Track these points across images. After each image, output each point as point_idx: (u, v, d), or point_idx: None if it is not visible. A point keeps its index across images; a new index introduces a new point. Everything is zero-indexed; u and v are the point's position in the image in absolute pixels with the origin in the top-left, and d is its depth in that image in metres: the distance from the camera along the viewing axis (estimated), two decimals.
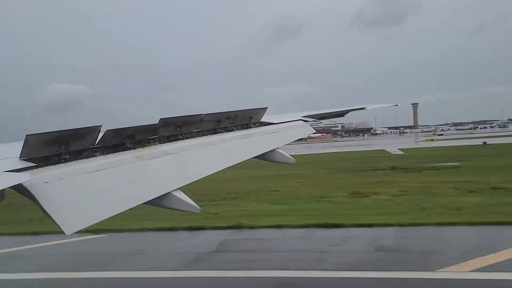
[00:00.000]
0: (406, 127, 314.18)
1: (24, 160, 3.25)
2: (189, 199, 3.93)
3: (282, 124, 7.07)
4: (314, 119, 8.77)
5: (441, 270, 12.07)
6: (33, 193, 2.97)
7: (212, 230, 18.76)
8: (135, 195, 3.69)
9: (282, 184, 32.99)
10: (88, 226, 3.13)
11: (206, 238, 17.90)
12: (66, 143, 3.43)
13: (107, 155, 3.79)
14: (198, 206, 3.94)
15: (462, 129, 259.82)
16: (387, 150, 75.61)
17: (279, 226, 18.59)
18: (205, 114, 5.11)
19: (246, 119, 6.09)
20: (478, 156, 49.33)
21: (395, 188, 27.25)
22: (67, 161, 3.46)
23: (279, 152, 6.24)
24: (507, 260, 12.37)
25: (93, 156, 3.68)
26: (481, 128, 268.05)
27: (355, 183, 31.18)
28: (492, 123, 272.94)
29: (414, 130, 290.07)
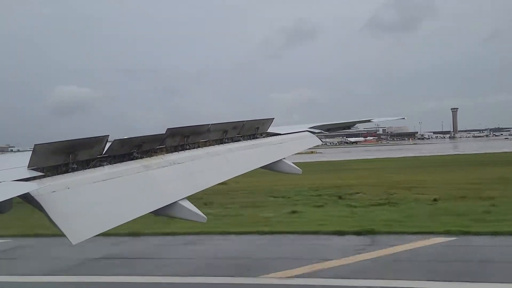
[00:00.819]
0: (443, 132, 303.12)
1: (32, 169, 3.27)
2: (196, 208, 3.92)
3: (288, 135, 7.07)
4: (320, 130, 8.77)
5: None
6: (40, 202, 2.98)
7: None
8: (142, 205, 3.69)
9: None
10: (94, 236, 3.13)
11: None
12: (73, 153, 3.45)
13: (114, 164, 3.81)
14: (204, 216, 3.92)
15: (479, 136, 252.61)
16: None
17: None
18: (212, 124, 5.13)
19: (253, 130, 6.10)
20: None
21: None
22: (75, 171, 3.47)
23: (286, 163, 6.23)
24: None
25: (100, 165, 3.69)
26: (497, 135, 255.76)
27: None
28: (509, 130, 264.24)
29: (455, 135, 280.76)
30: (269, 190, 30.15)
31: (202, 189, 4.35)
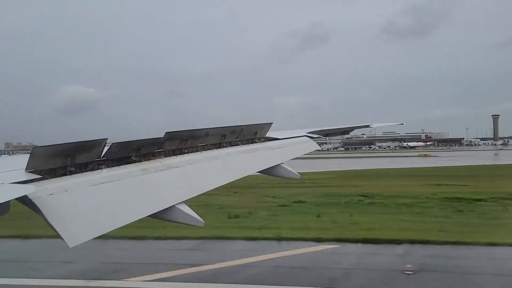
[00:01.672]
0: (482, 139, 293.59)
1: (30, 172, 3.27)
2: (193, 212, 3.92)
3: (287, 140, 7.07)
4: (319, 135, 8.78)
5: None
6: (38, 205, 2.98)
7: None
8: (140, 208, 3.69)
9: None
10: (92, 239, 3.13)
11: None
12: (71, 156, 3.45)
13: (112, 167, 3.81)
14: (202, 220, 3.92)
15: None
16: None
17: None
18: (210, 128, 5.13)
19: (251, 134, 6.11)
20: None
21: None
22: (73, 174, 3.47)
23: (284, 167, 6.23)
24: None
25: (98, 168, 3.69)
26: None
27: None
28: None
29: (496, 142, 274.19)
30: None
31: (199, 193, 4.35)
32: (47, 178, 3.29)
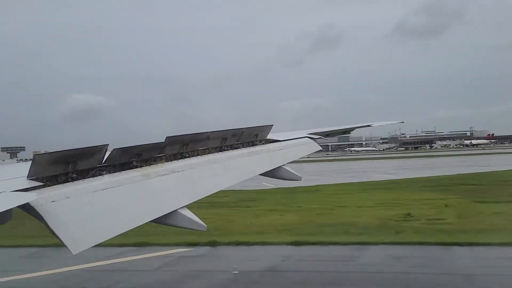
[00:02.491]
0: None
1: (32, 179, 3.27)
2: (196, 217, 3.92)
3: (288, 141, 7.07)
4: (320, 136, 8.78)
5: None
6: (40, 212, 2.98)
7: None
8: (142, 214, 3.69)
9: None
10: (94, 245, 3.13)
11: None
12: (73, 162, 3.45)
13: (113, 173, 3.81)
14: (204, 224, 3.92)
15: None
16: None
17: None
18: (211, 131, 5.14)
19: (252, 137, 6.11)
20: None
21: None
22: (74, 180, 3.47)
23: (286, 169, 6.23)
24: None
25: (100, 175, 3.70)
26: None
27: None
28: None
29: None
30: None
31: (201, 197, 4.35)
32: (49, 185, 3.29)
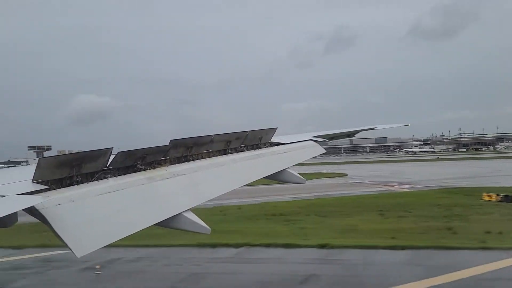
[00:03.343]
0: None
1: (37, 183, 3.29)
2: (200, 220, 3.91)
3: (292, 144, 7.06)
4: (324, 139, 8.75)
5: None
6: (45, 215, 2.99)
7: None
8: (146, 217, 3.69)
9: None
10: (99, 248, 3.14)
11: None
12: (78, 166, 3.47)
13: (118, 176, 3.82)
14: (208, 227, 3.91)
15: None
16: None
17: None
18: (215, 134, 5.14)
19: (256, 140, 6.11)
20: None
21: None
22: (79, 183, 3.49)
23: (290, 172, 6.21)
24: None
25: (104, 178, 3.71)
26: None
27: None
28: None
29: None
30: None
31: (206, 200, 4.35)
32: (53, 189, 3.31)
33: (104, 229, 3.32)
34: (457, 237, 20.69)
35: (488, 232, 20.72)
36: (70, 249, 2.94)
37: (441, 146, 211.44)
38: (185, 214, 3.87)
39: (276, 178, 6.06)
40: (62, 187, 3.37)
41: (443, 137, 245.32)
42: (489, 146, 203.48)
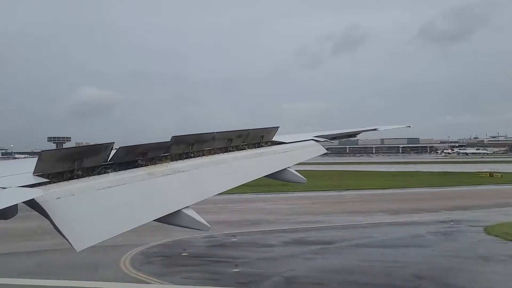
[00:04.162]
0: None
1: (38, 175, 3.29)
2: (200, 217, 3.91)
3: (293, 143, 7.05)
4: (326, 139, 8.74)
5: None
6: (45, 208, 2.99)
7: None
8: (146, 212, 3.69)
9: None
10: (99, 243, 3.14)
11: None
12: (79, 160, 3.47)
13: (119, 171, 3.82)
14: (208, 225, 3.91)
15: None
16: None
17: None
18: (217, 132, 5.14)
19: (258, 138, 6.10)
20: None
21: None
22: (80, 177, 3.49)
23: (290, 171, 6.20)
24: None
25: (105, 172, 3.71)
26: None
27: None
28: None
29: None
30: None
31: (206, 198, 4.35)
32: (54, 182, 3.31)
33: (104, 224, 3.32)
34: None
35: None
36: (69, 242, 2.94)
37: (493, 148, 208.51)
38: (185, 211, 3.87)
39: (276, 177, 6.05)
40: (63, 181, 3.37)
41: (477, 139, 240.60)
42: None
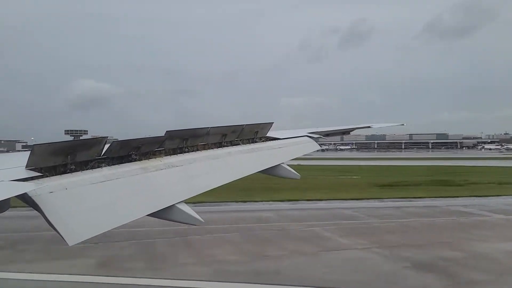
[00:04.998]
0: None
1: (30, 169, 3.26)
2: (193, 211, 3.91)
3: (287, 139, 7.07)
4: (319, 136, 8.78)
5: None
6: (38, 202, 2.97)
7: None
8: (139, 207, 3.68)
9: None
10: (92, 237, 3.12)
11: None
12: (72, 154, 3.45)
13: (112, 166, 3.80)
14: (202, 219, 3.91)
15: None
16: None
17: None
18: (211, 127, 5.13)
19: (252, 134, 6.10)
20: None
21: None
22: (73, 172, 3.47)
23: (284, 167, 6.23)
24: None
25: (98, 167, 3.69)
26: None
27: None
28: None
29: None
30: None
31: (200, 193, 4.35)
32: (47, 176, 3.29)
33: (97, 218, 3.31)
34: None
35: None
36: (62, 237, 2.93)
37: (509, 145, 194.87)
38: (179, 205, 3.87)
39: (270, 172, 6.07)
40: (56, 175, 3.35)
41: (508, 135, 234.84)
42: None
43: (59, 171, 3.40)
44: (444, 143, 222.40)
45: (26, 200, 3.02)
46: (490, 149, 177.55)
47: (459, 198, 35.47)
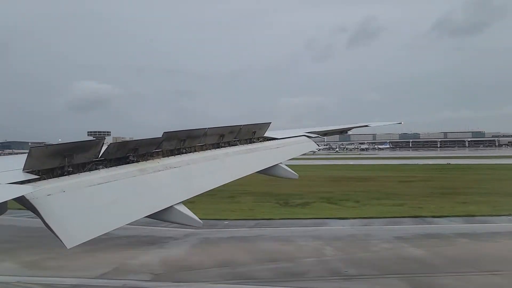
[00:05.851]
0: None
1: (28, 172, 3.25)
2: (191, 213, 3.91)
3: (285, 139, 7.07)
4: (317, 135, 8.78)
5: None
6: (35, 205, 2.97)
7: None
8: (137, 209, 3.68)
9: None
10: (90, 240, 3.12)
11: None
12: (69, 156, 3.44)
13: (110, 168, 3.80)
14: (200, 221, 3.91)
15: None
16: None
17: None
18: (208, 128, 5.13)
19: (250, 134, 6.10)
20: None
21: None
22: (70, 174, 3.46)
23: (282, 167, 6.22)
24: None
25: (96, 169, 3.68)
26: None
27: None
28: None
29: None
30: None
31: (198, 194, 4.34)
32: (44, 179, 3.28)
33: (95, 220, 3.31)
34: None
35: None
36: (60, 240, 2.92)
37: None
38: (177, 207, 3.86)
39: (268, 173, 6.07)
40: (53, 177, 3.34)
41: None
42: None
43: (57, 173, 3.39)
44: (481, 141, 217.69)
45: (23, 203, 3.01)
46: None
47: None
